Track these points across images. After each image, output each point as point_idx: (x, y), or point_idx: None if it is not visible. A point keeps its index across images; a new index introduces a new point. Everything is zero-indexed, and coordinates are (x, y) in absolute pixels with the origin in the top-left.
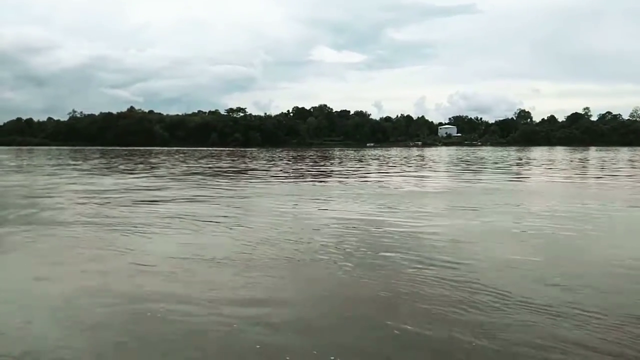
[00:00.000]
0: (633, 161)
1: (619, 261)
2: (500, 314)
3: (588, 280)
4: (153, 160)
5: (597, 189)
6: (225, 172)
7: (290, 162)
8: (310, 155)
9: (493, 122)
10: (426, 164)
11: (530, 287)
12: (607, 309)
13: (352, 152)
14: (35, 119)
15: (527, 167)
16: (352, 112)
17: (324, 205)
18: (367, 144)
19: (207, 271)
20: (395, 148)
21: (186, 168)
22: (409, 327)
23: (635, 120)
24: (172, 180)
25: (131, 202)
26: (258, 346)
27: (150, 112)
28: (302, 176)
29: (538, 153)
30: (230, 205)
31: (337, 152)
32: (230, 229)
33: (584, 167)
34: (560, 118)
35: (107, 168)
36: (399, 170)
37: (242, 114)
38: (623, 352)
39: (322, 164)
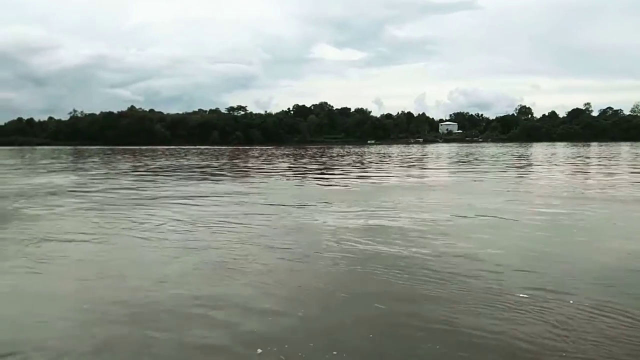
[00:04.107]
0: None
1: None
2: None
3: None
4: (117, 158)
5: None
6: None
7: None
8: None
9: (494, 118)
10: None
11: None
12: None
13: (339, 149)
14: (36, 119)
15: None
16: (352, 110)
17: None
18: (368, 141)
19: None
20: (396, 145)
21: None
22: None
23: (636, 115)
24: (97, 178)
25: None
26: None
27: (151, 111)
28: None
29: (537, 149)
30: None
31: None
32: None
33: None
34: (561, 114)
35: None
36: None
37: (242, 112)
38: None
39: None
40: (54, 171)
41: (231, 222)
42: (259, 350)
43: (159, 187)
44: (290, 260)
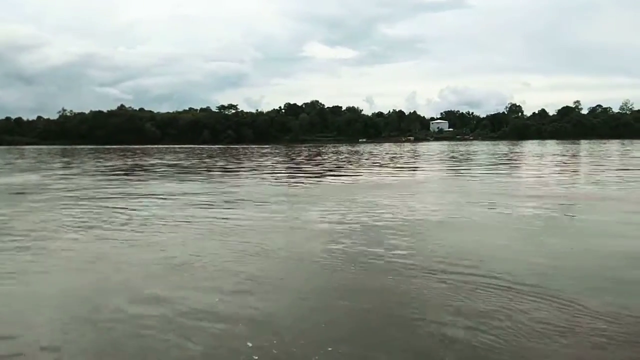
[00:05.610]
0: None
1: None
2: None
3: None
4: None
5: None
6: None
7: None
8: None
9: (484, 116)
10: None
11: None
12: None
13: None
14: (24, 118)
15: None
16: (344, 108)
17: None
18: (360, 140)
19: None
20: (388, 143)
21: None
22: None
23: (626, 113)
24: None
25: None
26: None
27: (141, 109)
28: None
29: (522, 147)
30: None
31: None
32: None
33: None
34: (551, 112)
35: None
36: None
37: (233, 111)
38: None
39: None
40: (25, 171)
41: (203, 221)
42: (249, 344)
43: (123, 186)
44: (266, 256)
